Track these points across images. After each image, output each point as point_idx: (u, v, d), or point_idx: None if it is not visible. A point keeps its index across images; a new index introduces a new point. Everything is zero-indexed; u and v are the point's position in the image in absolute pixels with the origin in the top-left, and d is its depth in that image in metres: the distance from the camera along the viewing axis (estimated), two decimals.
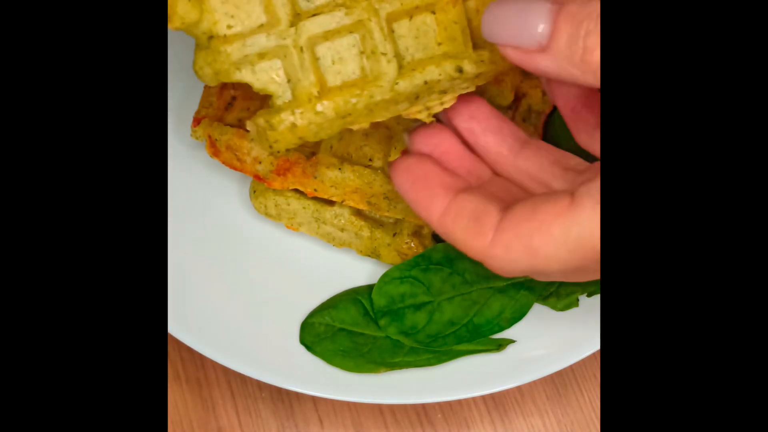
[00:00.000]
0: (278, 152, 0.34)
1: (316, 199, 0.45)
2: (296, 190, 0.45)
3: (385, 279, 0.43)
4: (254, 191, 0.45)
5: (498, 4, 0.31)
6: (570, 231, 0.30)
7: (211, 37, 0.33)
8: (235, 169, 0.44)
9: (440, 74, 0.33)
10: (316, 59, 0.33)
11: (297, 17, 0.33)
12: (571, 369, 0.46)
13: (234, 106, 0.46)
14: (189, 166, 0.47)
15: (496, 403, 0.45)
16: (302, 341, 0.43)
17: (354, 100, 0.33)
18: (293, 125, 0.33)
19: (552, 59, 0.30)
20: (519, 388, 0.46)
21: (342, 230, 0.45)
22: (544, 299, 0.43)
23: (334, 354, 0.43)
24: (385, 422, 0.45)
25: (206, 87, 0.47)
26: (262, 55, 0.33)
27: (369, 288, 0.44)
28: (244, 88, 0.46)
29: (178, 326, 0.43)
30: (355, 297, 0.44)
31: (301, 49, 0.33)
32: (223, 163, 0.44)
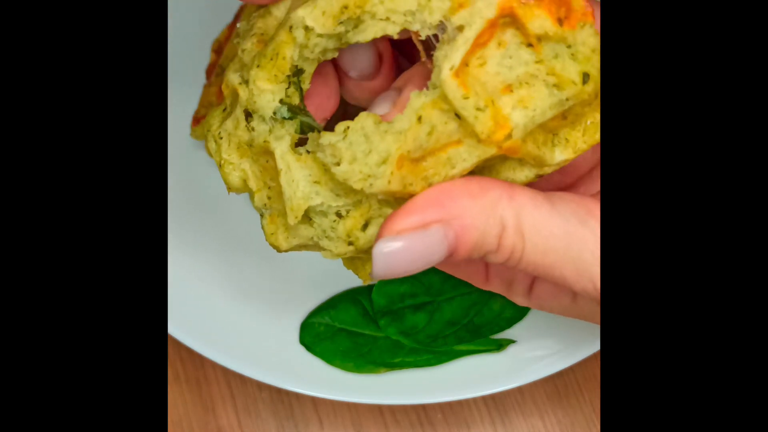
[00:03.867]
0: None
1: None
2: None
3: (385, 279, 0.43)
4: None
5: (387, 248, 0.29)
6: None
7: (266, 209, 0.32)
8: None
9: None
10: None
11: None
12: (571, 369, 0.46)
13: None
14: (188, 165, 0.47)
15: (496, 403, 0.45)
16: (302, 341, 0.43)
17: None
18: None
19: (460, 259, 0.30)
20: (519, 388, 0.46)
21: None
22: None
23: (333, 354, 0.43)
24: (385, 422, 0.45)
25: (205, 86, 0.47)
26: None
27: (369, 288, 0.44)
28: None
29: (177, 327, 0.43)
30: (355, 297, 0.44)
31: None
32: None
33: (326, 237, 0.31)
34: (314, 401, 0.45)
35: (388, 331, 0.43)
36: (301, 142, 0.31)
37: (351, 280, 0.45)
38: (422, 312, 0.43)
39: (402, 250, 0.28)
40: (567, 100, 0.28)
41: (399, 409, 0.45)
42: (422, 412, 0.45)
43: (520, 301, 0.34)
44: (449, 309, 0.43)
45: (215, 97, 0.46)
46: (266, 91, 0.30)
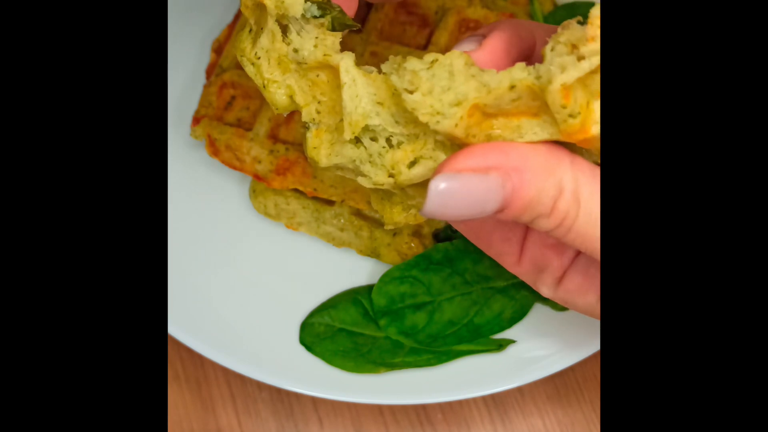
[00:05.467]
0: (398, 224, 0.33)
1: (315, 198, 0.45)
2: (296, 190, 0.45)
3: (385, 279, 0.43)
4: (254, 191, 0.45)
5: (444, 184, 0.28)
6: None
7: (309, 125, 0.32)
8: (234, 168, 0.44)
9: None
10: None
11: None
12: (571, 369, 0.46)
13: (233, 106, 0.46)
14: (188, 165, 0.47)
15: (496, 403, 0.45)
16: (302, 341, 0.43)
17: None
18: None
19: (510, 216, 0.29)
20: (519, 388, 0.45)
21: (342, 230, 0.45)
22: (544, 299, 0.43)
23: (333, 354, 0.43)
24: (385, 422, 0.45)
25: (205, 86, 0.47)
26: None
27: (369, 288, 0.44)
28: (244, 87, 0.46)
29: (177, 326, 0.43)
30: (355, 297, 0.44)
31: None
32: (223, 162, 0.44)
33: (369, 162, 0.30)
34: (314, 401, 0.45)
35: (388, 331, 0.43)
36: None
37: (351, 280, 0.45)
38: (422, 312, 0.43)
39: (458, 189, 0.28)
40: None
41: (399, 409, 0.45)
42: (422, 412, 0.45)
43: (545, 291, 0.34)
44: (449, 309, 0.43)
45: (215, 97, 0.46)
46: None
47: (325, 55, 0.30)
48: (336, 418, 0.45)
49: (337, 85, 0.30)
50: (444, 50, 0.45)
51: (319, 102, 0.31)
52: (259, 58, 0.31)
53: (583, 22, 0.28)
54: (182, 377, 0.46)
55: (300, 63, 0.31)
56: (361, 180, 0.31)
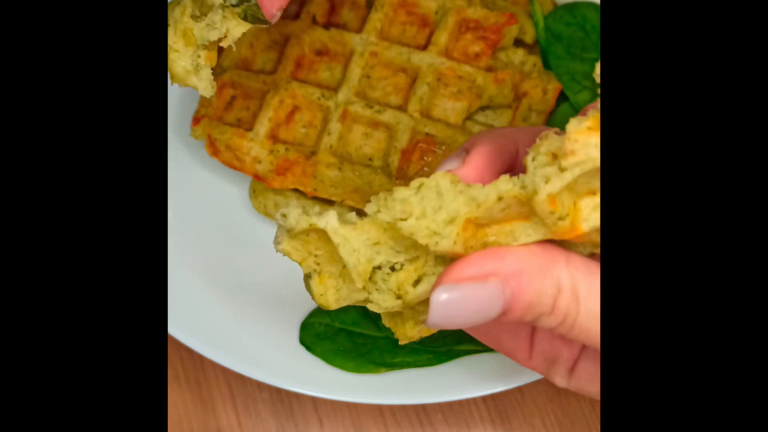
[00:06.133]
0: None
1: (315, 198, 0.45)
2: (296, 190, 0.45)
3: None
4: (254, 191, 0.45)
5: (445, 295, 0.29)
6: None
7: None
8: (234, 168, 0.44)
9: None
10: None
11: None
12: None
13: (233, 106, 0.46)
14: (188, 165, 0.47)
15: (496, 403, 0.45)
16: (302, 341, 0.43)
17: None
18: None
19: (512, 319, 0.30)
20: (519, 388, 0.45)
21: None
22: None
23: (334, 354, 0.43)
24: (385, 422, 0.45)
25: None
26: None
27: None
28: (243, 87, 0.46)
29: (177, 327, 0.43)
30: None
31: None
32: (223, 162, 0.44)
33: (376, 290, 0.31)
34: (314, 401, 0.45)
35: (388, 331, 0.43)
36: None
37: None
38: None
39: (459, 299, 0.29)
40: None
41: (399, 409, 0.45)
42: (422, 412, 0.45)
43: (559, 381, 0.34)
44: None
45: (215, 97, 0.46)
46: None
47: (310, 225, 0.31)
48: (336, 418, 0.45)
49: (328, 239, 0.31)
50: (444, 51, 0.45)
51: (315, 255, 0.32)
52: (168, 25, 0.34)
53: (561, 133, 0.28)
54: (182, 377, 0.46)
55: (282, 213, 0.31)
56: (370, 306, 0.32)
